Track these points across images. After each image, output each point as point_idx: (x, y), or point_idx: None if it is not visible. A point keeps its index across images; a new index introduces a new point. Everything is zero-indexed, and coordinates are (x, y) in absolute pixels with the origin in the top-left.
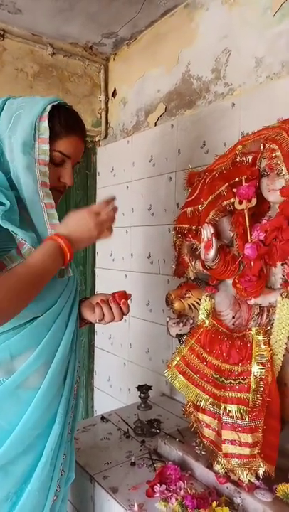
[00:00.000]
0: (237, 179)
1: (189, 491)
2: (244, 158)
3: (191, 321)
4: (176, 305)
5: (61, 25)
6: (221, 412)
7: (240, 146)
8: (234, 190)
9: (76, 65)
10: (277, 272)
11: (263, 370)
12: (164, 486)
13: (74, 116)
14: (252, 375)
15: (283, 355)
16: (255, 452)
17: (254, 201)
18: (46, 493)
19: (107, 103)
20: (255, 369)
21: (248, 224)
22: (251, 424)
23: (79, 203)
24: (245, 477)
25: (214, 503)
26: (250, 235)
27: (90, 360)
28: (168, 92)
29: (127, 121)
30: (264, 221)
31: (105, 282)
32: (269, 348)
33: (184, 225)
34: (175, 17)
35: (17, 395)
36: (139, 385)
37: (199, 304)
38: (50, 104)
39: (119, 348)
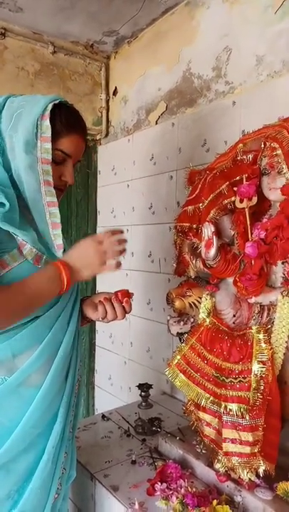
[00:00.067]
0: (238, 178)
1: (190, 490)
2: (245, 157)
3: (192, 320)
4: (177, 304)
5: (62, 23)
6: (222, 410)
7: (241, 145)
8: (235, 188)
9: (77, 64)
10: (278, 271)
11: (264, 369)
12: (164, 485)
13: (75, 114)
14: (252, 373)
15: (284, 353)
16: (256, 451)
17: (255, 200)
18: (48, 491)
19: (108, 101)
20: (256, 367)
21: (248, 222)
22: (252, 423)
23: (80, 202)
24: (245, 475)
25: (215, 502)
26: (251, 234)
27: (90, 359)
28: (169, 90)
29: (127, 120)
30: (265, 220)
31: (106, 281)
32: (269, 347)
33: (184, 224)
34: (176, 15)
35: (19, 393)
36: (139, 384)
37: (200, 303)
38: (52, 103)
39: (120, 346)
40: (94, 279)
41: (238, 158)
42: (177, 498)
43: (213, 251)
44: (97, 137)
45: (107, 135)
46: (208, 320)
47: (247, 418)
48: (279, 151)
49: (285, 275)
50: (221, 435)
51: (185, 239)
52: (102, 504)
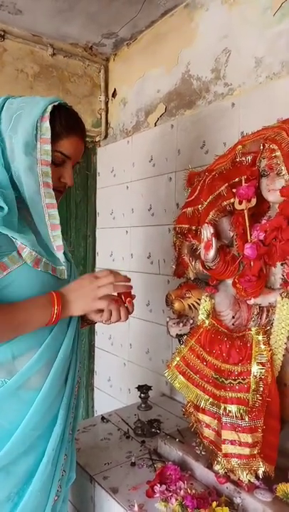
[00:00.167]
0: (237, 179)
1: (189, 491)
2: (244, 158)
3: (191, 321)
4: (176, 305)
5: (61, 25)
6: (221, 412)
7: (240, 146)
8: (234, 190)
9: (76, 66)
10: (277, 272)
11: (263, 370)
12: (164, 486)
13: (74, 116)
14: (252, 375)
15: (283, 355)
16: (255, 452)
17: (254, 201)
18: (47, 493)
19: (107, 103)
20: (255, 369)
21: (247, 224)
22: (251, 424)
23: (79, 203)
24: (245, 477)
25: (214, 503)
26: (250, 235)
27: (90, 361)
28: (168, 92)
29: (127, 122)
30: (264, 221)
31: None
32: (269, 348)
33: (183, 225)
34: (175, 17)
35: (18, 396)
36: (139, 385)
37: (199, 304)
38: (51, 105)
39: (120, 348)
40: None
41: (237, 159)
42: (176, 499)
43: (212, 252)
44: (97, 139)
45: (106, 137)
46: (207, 321)
47: (246, 419)
48: (278, 153)
49: (284, 276)
50: (221, 437)
51: (184, 240)
52: (102, 506)
